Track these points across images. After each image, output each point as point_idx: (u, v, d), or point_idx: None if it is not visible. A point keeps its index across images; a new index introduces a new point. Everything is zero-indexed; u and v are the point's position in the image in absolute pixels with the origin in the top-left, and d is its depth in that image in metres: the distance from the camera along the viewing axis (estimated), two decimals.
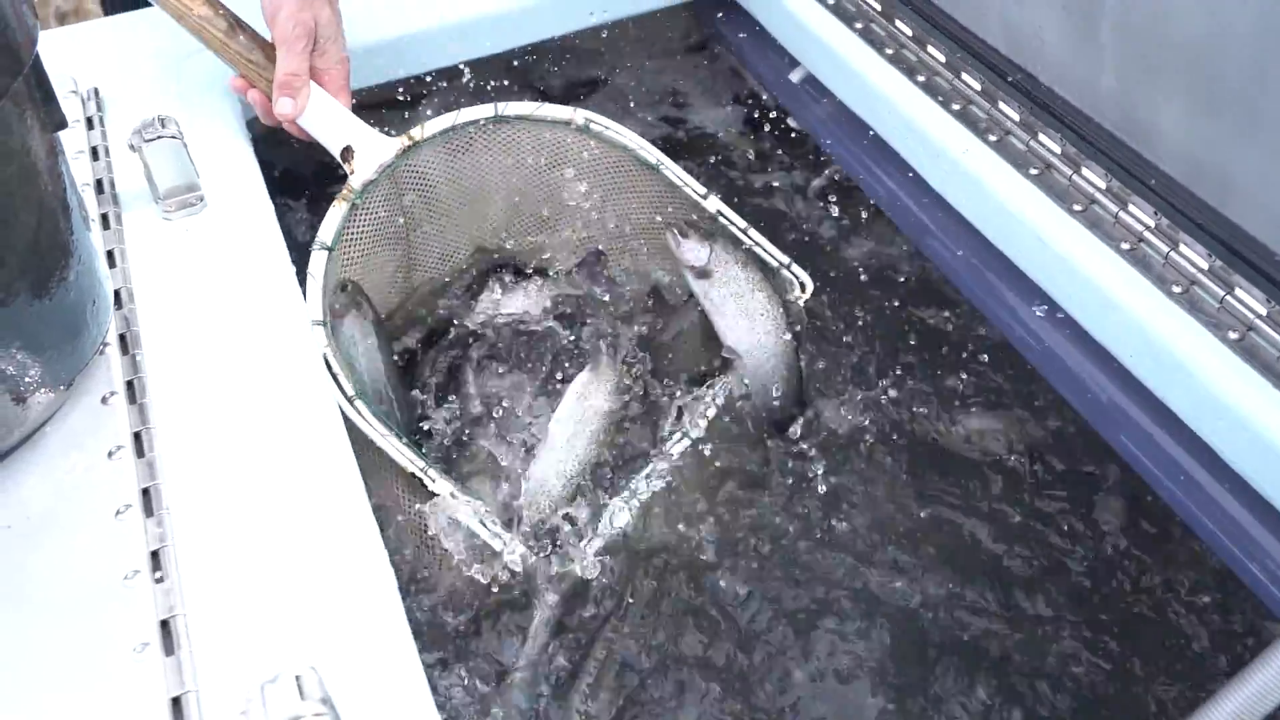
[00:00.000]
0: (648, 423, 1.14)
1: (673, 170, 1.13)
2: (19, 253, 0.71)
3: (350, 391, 0.95)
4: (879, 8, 1.28)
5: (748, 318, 1.12)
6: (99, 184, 1.03)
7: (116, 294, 0.92)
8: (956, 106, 1.16)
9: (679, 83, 1.64)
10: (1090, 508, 1.17)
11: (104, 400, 0.83)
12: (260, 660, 0.68)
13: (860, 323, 1.32)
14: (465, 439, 1.11)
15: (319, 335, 0.98)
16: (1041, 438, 1.22)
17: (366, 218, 1.10)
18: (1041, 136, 1.08)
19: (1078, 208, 1.03)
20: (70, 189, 0.79)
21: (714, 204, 1.12)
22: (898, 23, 1.25)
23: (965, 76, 1.17)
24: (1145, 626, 1.09)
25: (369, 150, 1.08)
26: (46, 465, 0.79)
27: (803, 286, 1.13)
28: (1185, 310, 0.93)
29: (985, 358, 1.28)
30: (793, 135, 1.53)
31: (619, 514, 1.04)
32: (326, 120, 1.08)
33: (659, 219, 1.18)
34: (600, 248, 1.23)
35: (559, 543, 1.03)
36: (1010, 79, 1.11)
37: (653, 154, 1.13)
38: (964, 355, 1.29)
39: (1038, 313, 1.12)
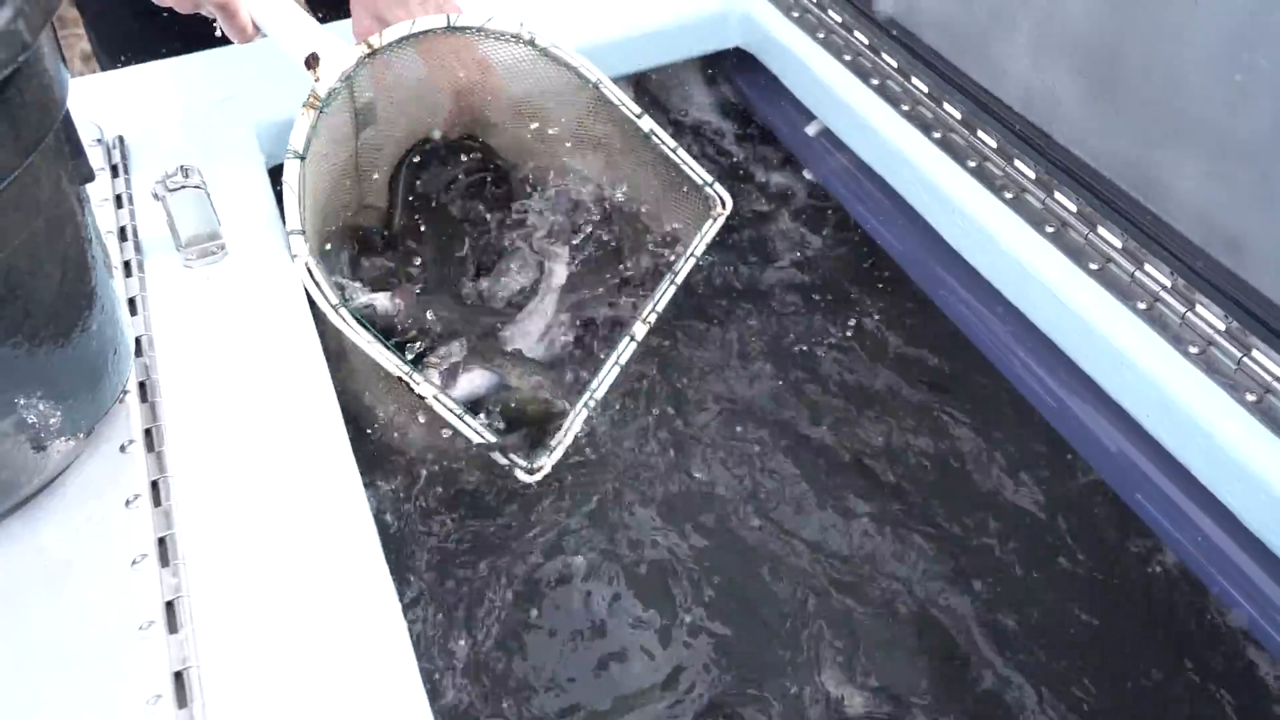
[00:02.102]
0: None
1: (610, 89, 1.18)
2: (44, 304, 0.72)
3: (334, 300, 0.99)
4: (895, 64, 1.29)
5: None
6: (122, 231, 1.04)
7: (137, 341, 0.92)
8: (972, 163, 1.17)
9: (697, 129, 1.65)
10: (1108, 567, 1.16)
11: (122, 448, 0.84)
12: (273, 717, 0.68)
13: (868, 369, 1.32)
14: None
15: (298, 244, 1.00)
16: (1057, 494, 1.22)
17: (326, 125, 1.10)
18: (1057, 194, 1.09)
19: (1094, 266, 1.03)
20: (95, 240, 0.79)
21: (646, 124, 1.18)
22: (914, 80, 1.26)
23: (981, 133, 1.17)
24: (1159, 688, 1.08)
25: (333, 57, 1.09)
26: (64, 513, 0.79)
27: (722, 202, 1.20)
28: (1202, 371, 0.93)
29: (998, 411, 1.28)
30: (807, 187, 1.54)
31: (577, 419, 1.10)
32: (289, 29, 1.09)
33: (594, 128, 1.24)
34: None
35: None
36: (1026, 137, 1.11)
37: (593, 73, 1.18)
38: (976, 408, 1.29)
39: (1053, 369, 1.12)
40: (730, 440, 1.27)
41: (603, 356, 1.15)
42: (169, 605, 0.73)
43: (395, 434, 1.15)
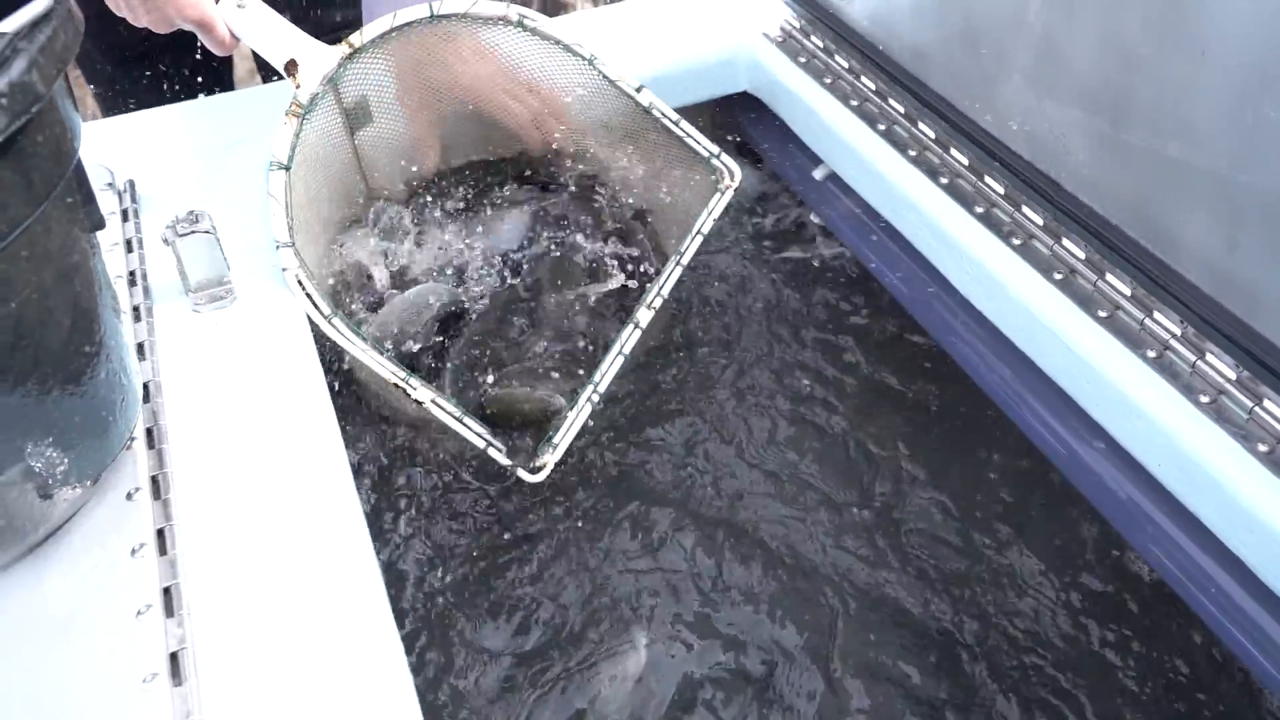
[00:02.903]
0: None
1: (606, 65, 1.17)
2: (53, 352, 0.72)
3: (326, 310, 0.99)
4: (902, 110, 1.29)
5: None
6: (131, 276, 1.05)
7: (145, 387, 0.92)
8: (980, 209, 1.17)
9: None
10: (1118, 616, 1.15)
11: (129, 495, 0.83)
12: None
13: (873, 414, 1.32)
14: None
15: (286, 257, 1.00)
16: (1067, 543, 1.21)
17: (315, 131, 1.10)
18: (1065, 241, 1.09)
19: (1103, 313, 1.03)
20: (104, 286, 0.79)
21: (646, 97, 1.17)
22: (921, 125, 1.26)
23: (989, 179, 1.18)
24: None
25: (312, 62, 1.08)
26: (70, 562, 0.78)
27: (731, 175, 1.18)
28: (1213, 420, 0.93)
29: (1007, 458, 1.27)
30: (815, 230, 1.54)
31: (581, 414, 1.05)
32: (266, 35, 1.09)
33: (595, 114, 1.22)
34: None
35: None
36: (1034, 183, 1.11)
37: (585, 50, 1.17)
38: (985, 455, 1.28)
39: (1063, 416, 1.12)
40: (716, 490, 1.26)
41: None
42: (173, 657, 0.72)
43: (403, 477, 1.15)
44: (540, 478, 1.02)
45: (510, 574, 1.15)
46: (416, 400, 0.99)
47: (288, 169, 1.04)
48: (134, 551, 0.79)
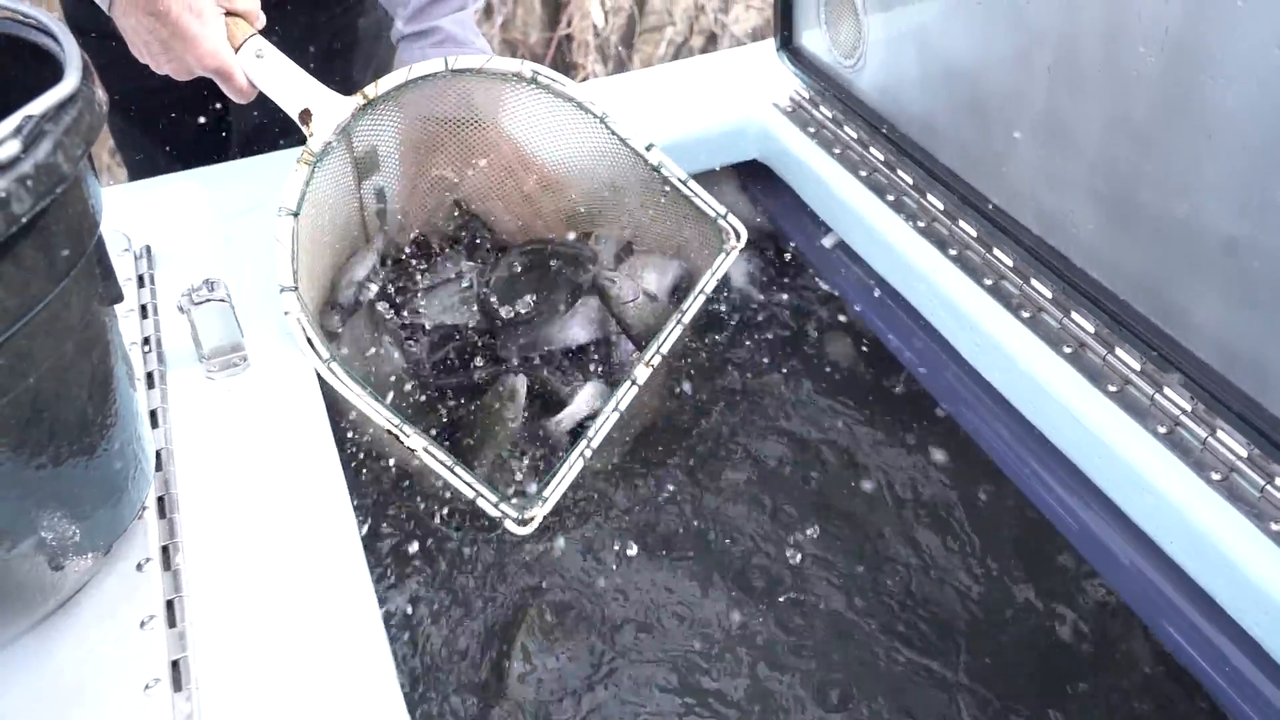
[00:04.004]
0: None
1: (617, 124, 1.17)
2: (69, 425, 0.73)
3: (325, 355, 1.00)
4: (911, 181, 1.31)
5: None
6: (145, 341, 1.05)
7: (158, 455, 0.93)
8: (989, 280, 1.18)
9: None
10: (1131, 691, 1.14)
11: (139, 566, 0.83)
12: None
13: (882, 481, 1.32)
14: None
15: (289, 301, 1.00)
16: (1078, 619, 1.20)
17: (327, 179, 1.11)
18: (1074, 315, 1.09)
19: (1113, 388, 1.03)
20: (121, 358, 0.80)
21: (656, 156, 1.18)
22: (930, 197, 1.28)
23: (997, 251, 1.18)
24: None
25: (326, 111, 1.10)
26: (79, 634, 0.78)
27: (737, 235, 1.18)
28: (1225, 498, 0.93)
29: (1018, 529, 1.27)
30: (823, 297, 1.55)
31: (573, 469, 1.04)
32: (283, 84, 1.10)
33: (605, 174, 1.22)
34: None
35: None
36: (1042, 257, 1.12)
37: (597, 108, 1.17)
38: (995, 526, 1.28)
39: (1074, 489, 1.11)
40: (732, 544, 1.26)
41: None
42: None
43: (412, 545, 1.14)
44: (529, 530, 1.00)
45: (518, 653, 1.15)
46: (409, 448, 0.99)
47: (296, 215, 1.05)
48: (143, 624, 0.79)
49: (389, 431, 0.99)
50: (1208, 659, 1.00)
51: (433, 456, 1.00)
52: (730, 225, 1.18)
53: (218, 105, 1.45)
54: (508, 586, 1.21)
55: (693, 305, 1.15)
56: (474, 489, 1.00)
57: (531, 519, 1.00)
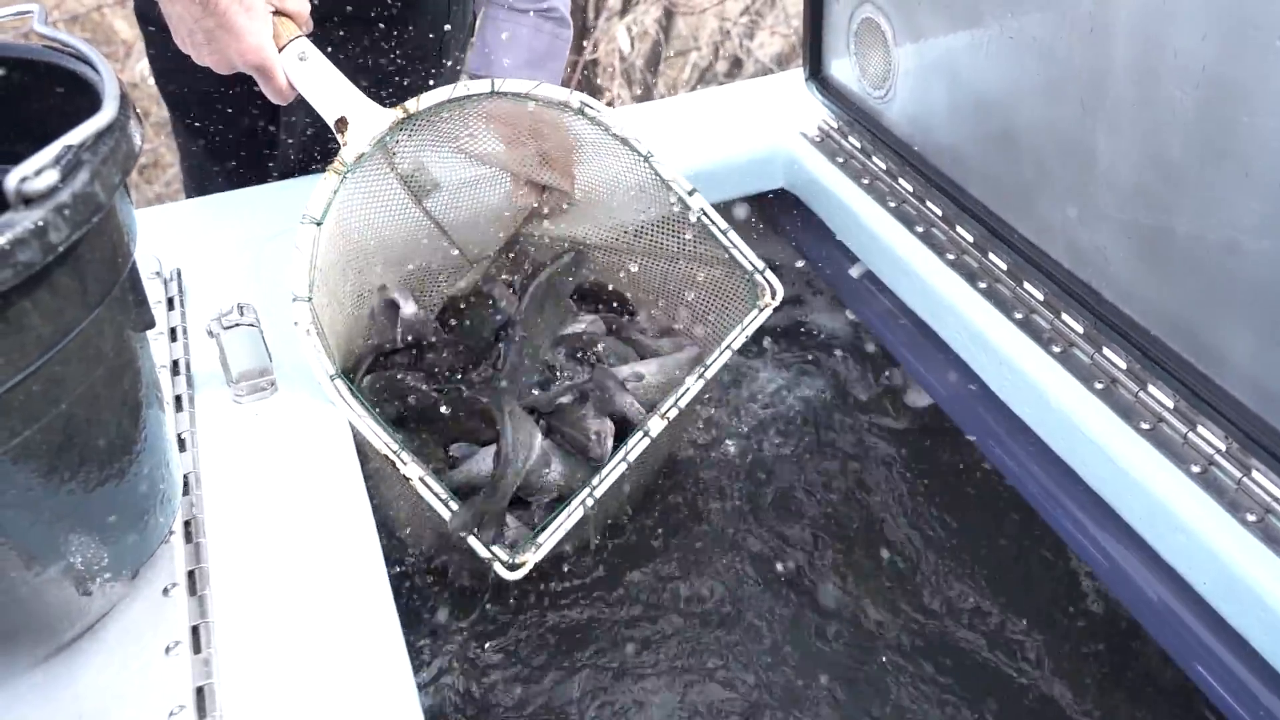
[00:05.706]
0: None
1: (662, 164, 1.15)
2: (100, 450, 0.73)
3: (331, 370, 0.99)
4: (940, 213, 1.30)
5: None
6: (175, 365, 1.06)
7: (185, 479, 0.93)
8: (1019, 314, 1.17)
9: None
10: None
11: (165, 591, 0.83)
12: None
13: (910, 515, 1.30)
14: None
15: (300, 311, 1.00)
16: (1110, 660, 1.18)
17: (361, 191, 1.09)
18: (1106, 350, 1.08)
19: (1145, 426, 1.02)
20: (150, 383, 0.80)
21: (698, 202, 1.16)
22: (959, 229, 1.27)
23: (1028, 285, 1.18)
24: None
25: (363, 122, 1.08)
26: (104, 659, 0.78)
27: (773, 292, 1.15)
28: (1260, 539, 0.91)
29: (1050, 569, 1.25)
30: (851, 327, 1.54)
31: (570, 518, 1.01)
32: (323, 89, 1.08)
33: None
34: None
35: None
36: (1074, 292, 1.11)
37: (644, 146, 1.15)
38: (1024, 562, 1.26)
39: (1104, 525, 1.10)
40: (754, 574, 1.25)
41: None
42: None
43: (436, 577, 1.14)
44: (518, 575, 0.98)
45: (549, 675, 1.14)
46: (405, 476, 0.99)
47: (319, 224, 1.04)
48: (168, 650, 0.79)
49: (386, 457, 0.99)
50: (1246, 706, 0.98)
51: (426, 487, 0.99)
52: (768, 281, 1.15)
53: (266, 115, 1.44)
54: (541, 615, 1.20)
55: (717, 361, 1.13)
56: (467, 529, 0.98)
57: (522, 564, 0.98)
